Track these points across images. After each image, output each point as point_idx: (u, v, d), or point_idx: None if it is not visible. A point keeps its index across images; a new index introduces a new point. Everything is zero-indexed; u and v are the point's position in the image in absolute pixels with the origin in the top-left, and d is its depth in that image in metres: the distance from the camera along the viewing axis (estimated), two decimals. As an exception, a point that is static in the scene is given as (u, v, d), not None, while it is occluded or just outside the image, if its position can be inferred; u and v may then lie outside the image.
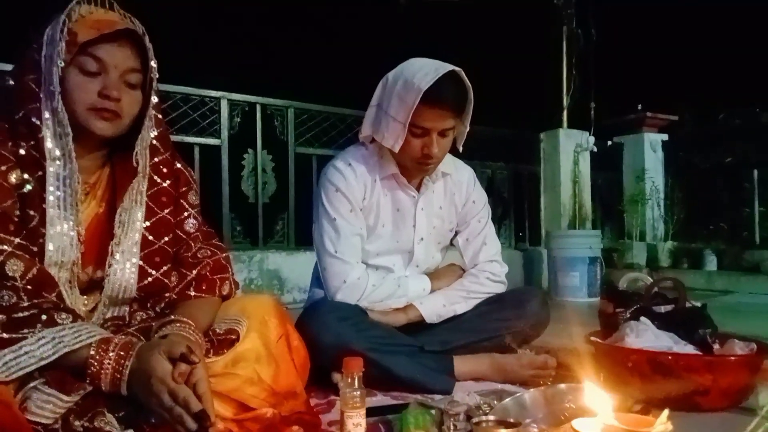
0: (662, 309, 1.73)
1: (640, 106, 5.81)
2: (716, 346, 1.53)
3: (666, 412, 0.86)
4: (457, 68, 1.64)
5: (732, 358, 1.47)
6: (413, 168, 1.76)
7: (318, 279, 1.87)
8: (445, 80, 1.60)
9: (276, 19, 6.87)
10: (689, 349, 1.52)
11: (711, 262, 5.03)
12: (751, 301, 4.08)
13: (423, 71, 1.62)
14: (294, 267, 3.89)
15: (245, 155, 4.02)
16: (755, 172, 5.19)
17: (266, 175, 4.07)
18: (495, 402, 1.25)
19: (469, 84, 1.67)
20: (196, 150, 3.79)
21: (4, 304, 1.01)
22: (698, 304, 1.74)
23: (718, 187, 5.47)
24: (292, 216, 4.13)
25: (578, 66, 5.20)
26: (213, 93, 3.87)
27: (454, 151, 1.82)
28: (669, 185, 5.72)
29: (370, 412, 1.23)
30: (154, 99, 1.21)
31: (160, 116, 1.26)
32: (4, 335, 0.98)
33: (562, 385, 1.27)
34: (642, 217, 5.52)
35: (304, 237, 4.08)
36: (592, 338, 1.66)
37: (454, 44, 4.78)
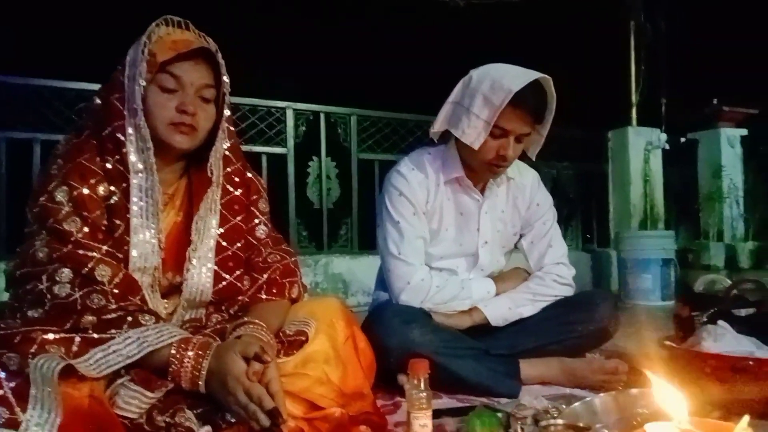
0: (743, 312, 1.65)
1: (715, 100, 5.52)
2: (803, 352, 1.45)
3: (746, 418, 0.82)
4: (546, 76, 1.64)
5: (822, 364, 1.38)
6: (483, 170, 1.76)
7: (382, 282, 1.90)
8: (533, 86, 1.61)
9: (336, 29, 7.00)
10: (773, 354, 1.44)
11: (798, 263, 4.72)
12: None
13: (513, 73, 1.64)
14: (358, 270, 3.96)
15: (310, 163, 4.14)
16: None
17: (330, 182, 4.17)
18: (563, 406, 1.23)
19: (554, 94, 1.67)
20: (264, 159, 3.93)
21: (94, 306, 1.09)
22: (783, 308, 1.65)
23: (805, 182, 5.13)
24: (355, 221, 4.20)
25: (647, 60, 5.02)
26: (279, 103, 4.01)
27: (522, 157, 1.81)
28: (749, 182, 5.40)
29: (437, 413, 1.24)
30: (227, 112, 1.28)
31: (231, 128, 1.33)
32: (95, 335, 1.07)
33: (635, 390, 1.23)
34: (720, 215, 5.24)
35: (367, 241, 4.15)
36: (667, 342, 1.60)
37: (515, 44, 4.71)
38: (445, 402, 1.55)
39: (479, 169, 1.77)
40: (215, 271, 1.27)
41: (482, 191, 1.85)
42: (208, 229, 1.28)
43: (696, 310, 1.72)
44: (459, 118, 1.70)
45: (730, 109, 5.48)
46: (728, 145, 5.43)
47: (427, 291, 1.74)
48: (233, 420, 1.07)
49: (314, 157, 4.15)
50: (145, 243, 1.20)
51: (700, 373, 1.42)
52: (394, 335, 1.57)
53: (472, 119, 1.65)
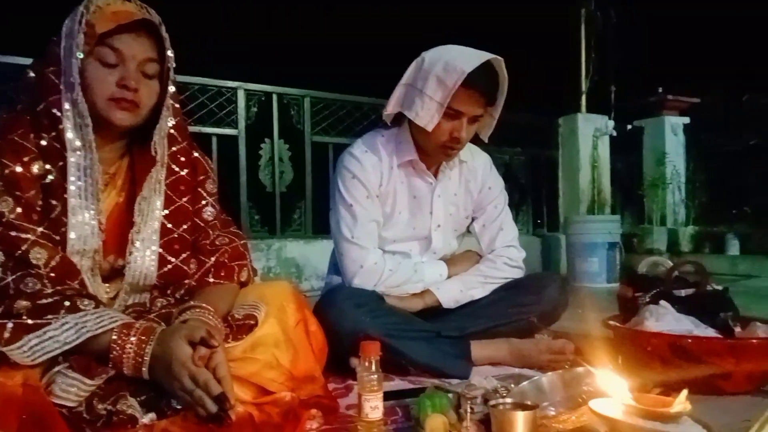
0: (683, 293, 1.71)
1: (660, 89, 5.70)
2: (738, 330, 1.52)
3: (684, 392, 0.85)
4: (499, 57, 1.64)
5: (754, 341, 1.45)
6: (436, 152, 1.76)
7: (335, 265, 1.89)
8: (485, 67, 1.61)
9: (290, 8, 6.87)
10: (710, 332, 1.50)
11: (734, 246, 4.95)
12: (775, 286, 4.01)
13: (466, 55, 1.63)
14: (312, 255, 3.92)
15: (262, 145, 4.05)
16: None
17: (283, 164, 4.09)
18: (512, 386, 1.25)
19: (506, 75, 1.67)
20: (214, 140, 3.83)
21: (28, 291, 1.03)
22: (720, 288, 1.72)
23: (742, 170, 5.36)
24: (309, 204, 4.15)
25: (597, 49, 5.12)
26: (230, 83, 3.89)
27: (475, 140, 1.82)
28: (691, 169, 5.62)
29: (388, 395, 1.24)
30: (171, 89, 1.23)
31: (177, 106, 1.27)
32: (29, 321, 1.01)
33: (580, 369, 1.26)
34: (662, 201, 5.44)
35: (321, 225, 4.10)
36: (611, 322, 1.65)
37: (468, 29, 4.73)
38: (397, 384, 1.55)
39: (432, 152, 1.76)
40: (160, 253, 1.23)
41: (435, 174, 1.85)
42: (153, 211, 1.23)
43: (639, 291, 1.78)
44: (412, 100, 1.68)
45: (674, 98, 5.68)
46: (672, 132, 5.63)
47: (380, 274, 1.73)
48: (179, 406, 1.04)
49: (266, 139, 4.06)
50: (83, 224, 1.14)
51: (642, 351, 1.47)
52: (346, 318, 1.56)
53: (425, 101, 1.65)
